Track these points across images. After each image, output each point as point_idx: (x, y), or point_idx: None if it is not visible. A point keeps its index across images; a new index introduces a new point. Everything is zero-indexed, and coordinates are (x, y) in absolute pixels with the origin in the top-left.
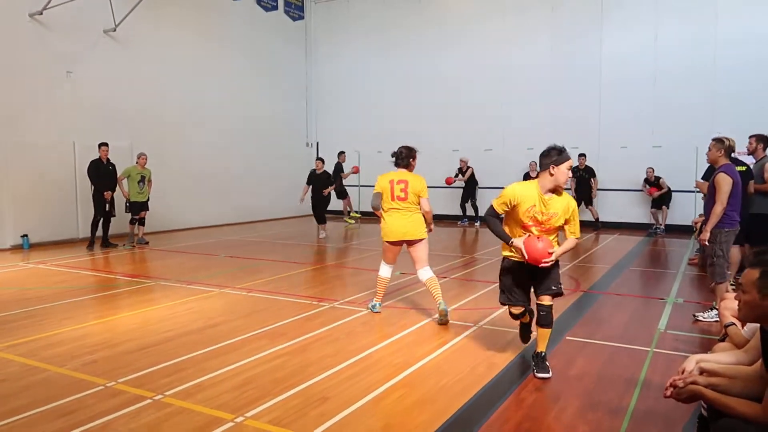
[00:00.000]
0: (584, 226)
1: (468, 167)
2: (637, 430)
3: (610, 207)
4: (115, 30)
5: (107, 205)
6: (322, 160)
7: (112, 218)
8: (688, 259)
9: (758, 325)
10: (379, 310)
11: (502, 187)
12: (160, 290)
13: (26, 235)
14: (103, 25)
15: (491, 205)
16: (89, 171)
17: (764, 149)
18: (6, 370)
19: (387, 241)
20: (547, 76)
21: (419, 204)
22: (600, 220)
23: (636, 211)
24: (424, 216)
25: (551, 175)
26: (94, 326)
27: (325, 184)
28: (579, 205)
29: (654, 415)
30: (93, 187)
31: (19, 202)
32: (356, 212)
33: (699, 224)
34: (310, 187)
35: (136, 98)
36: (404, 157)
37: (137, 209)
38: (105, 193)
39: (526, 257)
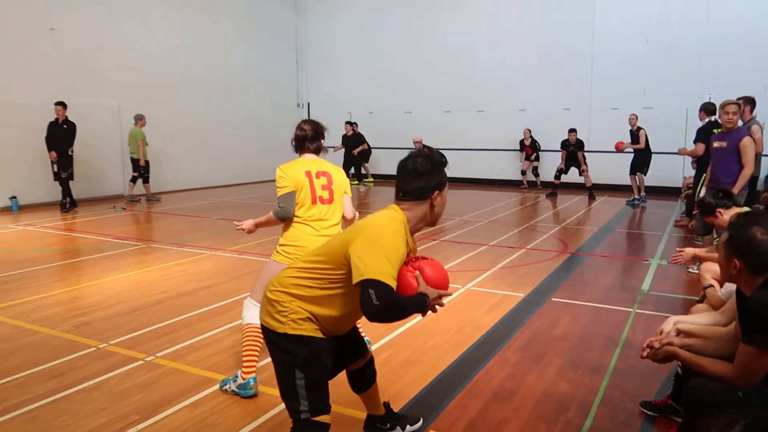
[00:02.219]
0: (576, 188)
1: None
2: (615, 388)
3: (601, 169)
4: None
5: (55, 166)
6: (350, 124)
7: (65, 179)
8: (674, 220)
9: (735, 286)
10: (255, 389)
11: (494, 149)
12: (151, 252)
13: (15, 197)
14: None
15: (383, 283)
16: (47, 132)
17: (751, 111)
18: None
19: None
20: (540, 36)
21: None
22: (591, 183)
23: (626, 173)
24: (345, 223)
25: (433, 206)
26: (85, 288)
27: (355, 145)
28: (567, 173)
29: (633, 373)
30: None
31: (6, 164)
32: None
33: (689, 185)
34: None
35: (120, 56)
36: (312, 138)
37: (148, 168)
38: (50, 154)
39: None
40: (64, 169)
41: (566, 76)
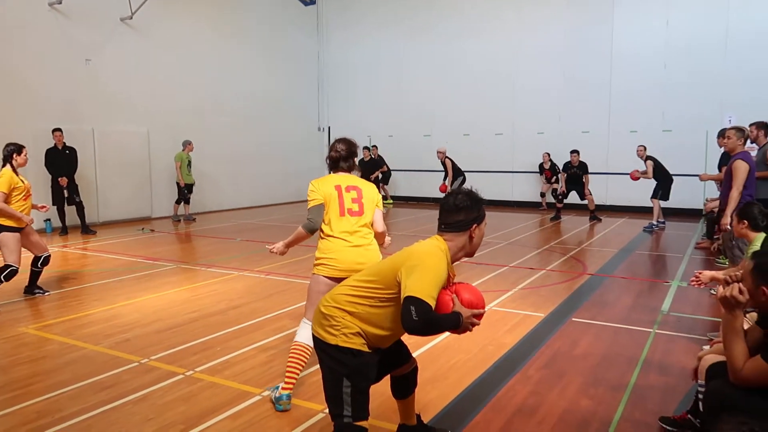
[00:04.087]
0: (580, 209)
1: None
2: (636, 404)
3: (622, 191)
4: (131, 18)
5: (66, 191)
6: (368, 149)
7: (80, 204)
8: (695, 242)
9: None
10: (287, 404)
11: (512, 172)
12: (181, 273)
13: (49, 220)
14: (120, 14)
15: (423, 302)
16: (45, 159)
17: (765, 135)
18: (46, 347)
19: (328, 277)
20: (558, 60)
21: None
22: (608, 204)
23: (645, 194)
24: (376, 238)
25: (472, 237)
26: (123, 307)
27: (372, 170)
28: (567, 197)
29: (653, 390)
30: (51, 176)
31: (42, 188)
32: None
33: (710, 208)
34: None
35: (151, 84)
36: (347, 156)
37: (189, 190)
38: (60, 180)
39: (483, 310)
40: (76, 193)
41: (584, 99)
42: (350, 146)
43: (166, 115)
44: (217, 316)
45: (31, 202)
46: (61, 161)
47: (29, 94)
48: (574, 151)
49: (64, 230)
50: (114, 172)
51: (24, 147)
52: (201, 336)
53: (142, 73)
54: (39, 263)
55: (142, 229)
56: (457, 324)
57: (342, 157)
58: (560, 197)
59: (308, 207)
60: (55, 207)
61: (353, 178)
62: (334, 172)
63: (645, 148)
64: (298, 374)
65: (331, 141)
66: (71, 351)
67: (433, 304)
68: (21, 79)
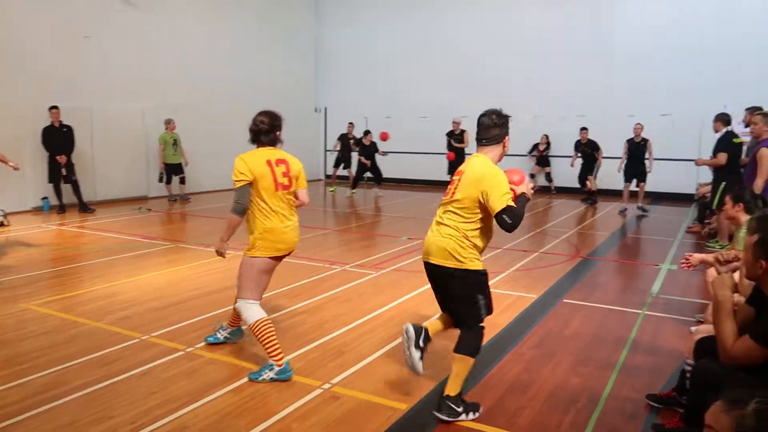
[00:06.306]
0: (576, 192)
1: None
2: (623, 383)
3: (613, 175)
4: None
5: (63, 170)
6: (369, 132)
7: (76, 182)
8: (687, 227)
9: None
10: (293, 370)
11: (508, 155)
12: (179, 252)
13: (46, 198)
14: None
15: (507, 208)
16: (42, 137)
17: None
18: (47, 323)
19: (271, 257)
20: (556, 43)
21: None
22: (599, 189)
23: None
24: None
25: (504, 146)
26: (123, 285)
27: (372, 154)
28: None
29: (640, 369)
30: (48, 153)
31: (39, 165)
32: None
33: (702, 193)
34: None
35: (147, 62)
36: (267, 131)
37: (173, 170)
38: (58, 158)
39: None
40: (73, 172)
41: (583, 80)
42: (273, 119)
43: (163, 94)
44: (216, 295)
45: None
46: (58, 139)
47: (29, 71)
48: (584, 128)
49: (61, 208)
50: (111, 150)
51: None
52: (200, 314)
53: (140, 50)
54: None
55: (139, 208)
56: (526, 200)
57: (262, 131)
58: (584, 181)
59: (235, 187)
60: (52, 185)
61: (279, 152)
62: (258, 146)
63: (642, 127)
64: (279, 343)
65: (327, 122)
66: (73, 327)
67: (511, 202)
68: (20, 56)
